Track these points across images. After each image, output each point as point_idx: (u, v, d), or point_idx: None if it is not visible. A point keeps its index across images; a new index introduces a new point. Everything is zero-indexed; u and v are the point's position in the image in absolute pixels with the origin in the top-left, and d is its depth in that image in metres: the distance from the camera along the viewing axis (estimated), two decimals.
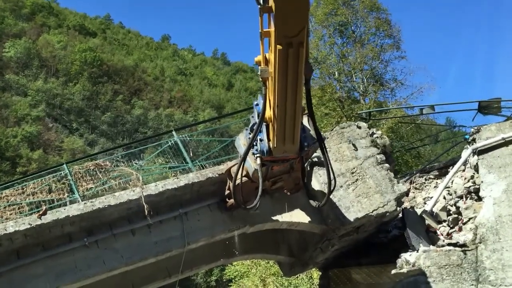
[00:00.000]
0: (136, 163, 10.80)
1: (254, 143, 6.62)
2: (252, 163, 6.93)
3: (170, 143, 10.79)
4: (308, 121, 6.92)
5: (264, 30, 5.02)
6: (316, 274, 20.72)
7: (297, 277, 22.08)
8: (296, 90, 5.35)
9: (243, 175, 7.50)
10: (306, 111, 6.65)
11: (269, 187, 8.69)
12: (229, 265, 28.74)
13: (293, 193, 9.18)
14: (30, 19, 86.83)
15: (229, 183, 8.69)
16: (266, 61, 5.42)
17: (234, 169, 7.55)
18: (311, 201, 7.76)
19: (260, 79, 5.55)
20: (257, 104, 6.48)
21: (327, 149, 10.38)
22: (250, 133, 6.79)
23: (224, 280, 34.26)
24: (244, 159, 6.63)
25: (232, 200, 9.04)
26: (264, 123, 6.28)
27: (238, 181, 7.44)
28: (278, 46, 4.86)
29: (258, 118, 6.16)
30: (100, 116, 76.78)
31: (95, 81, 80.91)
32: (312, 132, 6.92)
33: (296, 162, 7.43)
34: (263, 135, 6.44)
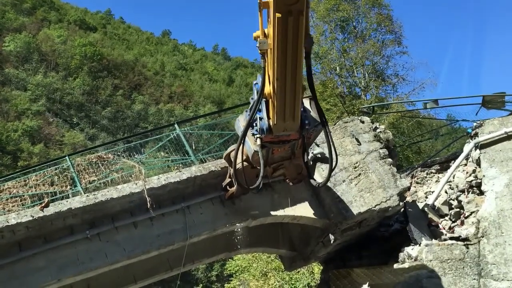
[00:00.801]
0: (137, 157, 10.79)
1: (254, 123, 6.39)
2: (252, 145, 6.71)
3: (172, 136, 10.77)
4: (310, 104, 6.72)
5: (263, 0, 4.91)
6: (317, 268, 20.75)
7: (298, 271, 22.12)
8: (296, 63, 5.19)
9: (243, 159, 7.28)
10: (307, 95, 6.50)
11: (270, 174, 8.42)
12: (230, 260, 28.82)
13: (295, 183, 9.02)
14: (30, 13, 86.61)
15: (229, 170, 8.57)
16: (265, 36, 5.27)
17: (233, 154, 7.22)
18: (312, 180, 7.45)
19: (259, 52, 5.34)
20: (256, 83, 6.24)
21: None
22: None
23: (225, 274, 34.31)
24: (244, 136, 6.36)
25: (232, 189, 8.95)
26: (264, 100, 6.06)
27: (239, 165, 7.22)
28: (277, 14, 4.75)
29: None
30: (101, 111, 76.64)
31: (95, 76, 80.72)
32: (313, 115, 6.68)
33: (297, 147, 7.23)
34: (263, 113, 6.19)
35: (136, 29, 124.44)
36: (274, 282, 23.45)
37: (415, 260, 9.56)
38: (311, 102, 6.70)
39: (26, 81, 70.30)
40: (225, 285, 30.84)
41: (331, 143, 6.43)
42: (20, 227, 8.05)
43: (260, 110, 6.22)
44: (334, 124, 11.12)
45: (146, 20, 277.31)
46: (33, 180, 9.50)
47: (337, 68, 32.62)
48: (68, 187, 9.47)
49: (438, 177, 12.92)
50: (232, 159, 7.14)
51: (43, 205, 8.19)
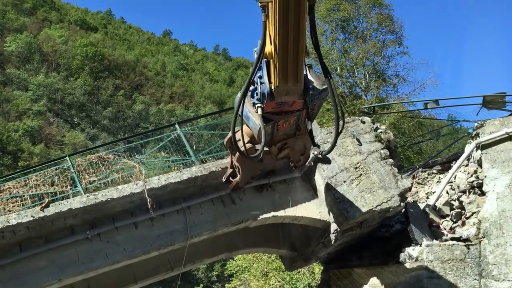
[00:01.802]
0: (137, 157, 10.78)
1: (255, 92, 6.05)
2: (256, 120, 6.27)
3: (173, 136, 10.77)
4: (311, 73, 6.29)
5: None
6: (318, 268, 20.75)
7: (299, 271, 22.12)
8: (299, 17, 4.93)
9: (246, 141, 6.85)
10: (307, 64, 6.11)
11: (275, 155, 7.86)
12: (230, 260, 28.83)
13: (299, 166, 8.64)
14: (31, 13, 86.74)
15: (232, 160, 8.27)
16: None
17: (238, 136, 6.71)
18: (316, 148, 7.02)
19: (259, 5, 5.04)
20: (256, 50, 5.82)
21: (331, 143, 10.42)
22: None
23: (226, 275, 34.33)
24: (244, 94, 5.93)
25: (236, 179, 8.60)
26: (265, 60, 5.68)
27: (237, 133, 6.64)
28: None
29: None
30: (102, 111, 76.74)
31: (96, 76, 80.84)
32: (315, 83, 6.27)
33: (301, 121, 6.87)
34: (264, 76, 5.81)
35: (137, 29, 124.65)
36: (275, 282, 23.45)
37: (416, 260, 9.55)
38: (311, 70, 6.30)
39: (28, 81, 70.41)
40: (226, 285, 30.85)
41: (336, 101, 6.04)
42: (21, 227, 8.06)
43: (261, 78, 5.86)
44: None
45: (147, 20, 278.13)
46: (33, 180, 9.50)
47: (338, 68, 32.59)
48: (69, 187, 9.47)
49: (439, 177, 12.90)
50: (234, 143, 6.63)
51: (43, 205, 8.19)
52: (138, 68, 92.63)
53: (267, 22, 5.15)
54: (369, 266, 11.09)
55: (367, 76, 32.22)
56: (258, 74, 5.86)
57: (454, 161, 11.68)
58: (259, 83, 5.88)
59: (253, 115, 6.36)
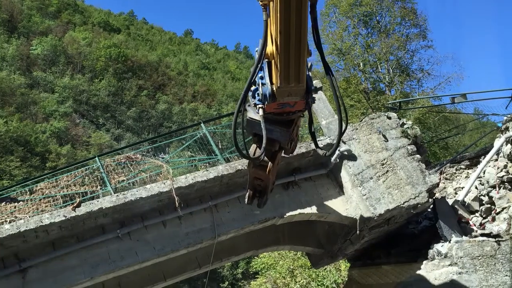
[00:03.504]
0: (162, 157, 10.90)
1: (256, 93, 5.89)
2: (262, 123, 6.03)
3: (198, 135, 10.85)
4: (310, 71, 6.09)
5: None
6: (344, 265, 20.65)
7: (325, 268, 22.04)
8: (300, 16, 4.81)
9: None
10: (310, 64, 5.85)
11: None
12: (255, 257, 28.90)
13: (289, 154, 7.96)
14: (56, 17, 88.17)
15: (250, 180, 7.99)
16: None
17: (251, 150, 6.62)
18: (318, 150, 6.86)
19: (260, 3, 4.95)
20: (257, 50, 5.64)
21: (356, 140, 10.37)
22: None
23: (251, 272, 34.42)
24: (245, 96, 5.74)
25: (249, 192, 8.27)
26: (266, 60, 5.55)
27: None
28: None
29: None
30: (126, 111, 77.59)
31: (120, 77, 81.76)
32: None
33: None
34: (265, 77, 5.66)
35: (158, 29, 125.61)
36: (301, 280, 23.41)
37: (445, 257, 9.45)
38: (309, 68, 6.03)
39: (54, 84, 71.64)
40: (252, 282, 30.94)
41: (339, 99, 5.79)
42: (54, 227, 8.26)
43: (262, 78, 5.71)
44: (360, 121, 11.04)
45: (169, 20, 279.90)
46: (64, 180, 9.71)
47: (361, 64, 32.27)
48: (98, 187, 9.65)
49: (468, 172, 12.71)
50: (234, 142, 6.22)
51: (75, 205, 8.35)
52: (160, 68, 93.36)
53: (269, 21, 5.05)
54: (396, 263, 11.01)
55: (391, 71, 31.79)
56: (260, 75, 5.73)
57: (483, 156, 11.50)
58: (260, 84, 5.75)
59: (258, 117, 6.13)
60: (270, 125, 6.28)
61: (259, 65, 5.42)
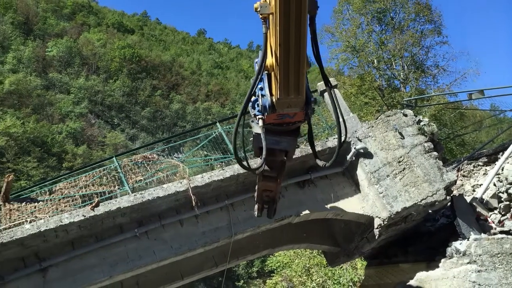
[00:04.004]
0: (177, 157, 10.96)
1: (256, 103, 5.94)
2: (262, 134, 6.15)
3: (214, 135, 10.90)
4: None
5: None
6: (360, 264, 20.57)
7: (341, 267, 21.99)
8: (300, 29, 4.86)
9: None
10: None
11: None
12: (270, 256, 28.92)
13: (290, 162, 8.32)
14: (71, 18, 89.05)
15: (258, 193, 8.02)
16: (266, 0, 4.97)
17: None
18: (318, 161, 6.88)
19: (260, 17, 5.02)
20: (257, 61, 5.82)
21: (372, 137, 10.32)
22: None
23: (266, 271, 34.45)
24: (245, 108, 5.83)
25: (257, 205, 8.37)
26: (266, 72, 5.60)
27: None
28: None
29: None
30: (140, 111, 78.12)
31: (134, 77, 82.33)
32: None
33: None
34: (265, 89, 5.73)
35: (172, 29, 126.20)
36: (317, 278, 23.38)
37: (464, 255, 9.34)
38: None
39: (69, 85, 72.38)
40: (267, 281, 30.95)
41: (338, 111, 5.83)
42: (73, 227, 8.38)
43: (262, 89, 5.77)
44: (376, 118, 10.98)
45: (181, 20, 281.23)
46: (83, 181, 9.83)
47: (375, 61, 32.05)
48: (116, 187, 9.75)
49: (486, 169, 12.56)
50: (233, 148, 6.58)
51: (93, 205, 8.47)
52: (174, 68, 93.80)
53: (268, 34, 5.11)
54: (414, 262, 10.93)
55: (406, 67, 31.52)
56: (259, 86, 5.79)
57: (501, 153, 11.36)
58: (260, 95, 5.81)
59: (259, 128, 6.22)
60: (276, 136, 6.41)
61: (259, 77, 5.47)
